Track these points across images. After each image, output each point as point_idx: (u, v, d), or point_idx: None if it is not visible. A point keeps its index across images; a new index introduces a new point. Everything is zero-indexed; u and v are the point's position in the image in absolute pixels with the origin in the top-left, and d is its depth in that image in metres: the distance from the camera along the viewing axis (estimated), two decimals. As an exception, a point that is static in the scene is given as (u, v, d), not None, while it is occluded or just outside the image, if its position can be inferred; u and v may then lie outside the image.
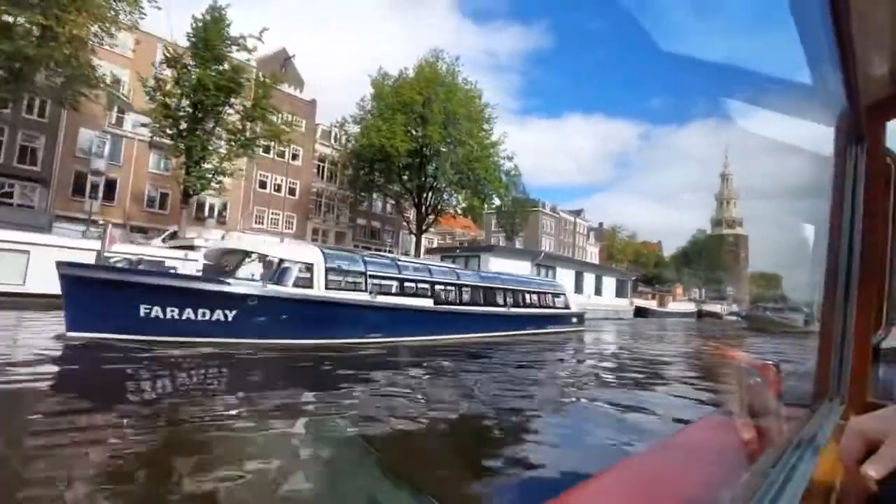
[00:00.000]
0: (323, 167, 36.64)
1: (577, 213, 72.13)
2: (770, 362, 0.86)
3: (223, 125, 22.27)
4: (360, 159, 30.24)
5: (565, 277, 25.21)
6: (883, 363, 1.36)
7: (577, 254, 70.22)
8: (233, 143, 22.81)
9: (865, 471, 0.43)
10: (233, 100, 22.58)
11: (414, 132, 28.30)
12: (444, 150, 28.26)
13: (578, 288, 26.73)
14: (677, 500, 0.65)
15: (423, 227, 32.62)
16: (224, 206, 30.57)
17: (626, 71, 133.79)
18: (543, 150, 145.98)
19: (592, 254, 73.76)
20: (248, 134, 23.12)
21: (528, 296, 14.34)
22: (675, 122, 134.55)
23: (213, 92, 20.16)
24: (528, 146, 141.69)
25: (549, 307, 15.38)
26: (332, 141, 36.21)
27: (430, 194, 31.49)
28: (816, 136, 1.23)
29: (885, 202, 1.16)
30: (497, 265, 21.48)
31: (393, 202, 35.13)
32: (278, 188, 33.83)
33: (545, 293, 15.54)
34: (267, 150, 32.83)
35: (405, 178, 29.56)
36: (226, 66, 21.13)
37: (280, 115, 32.89)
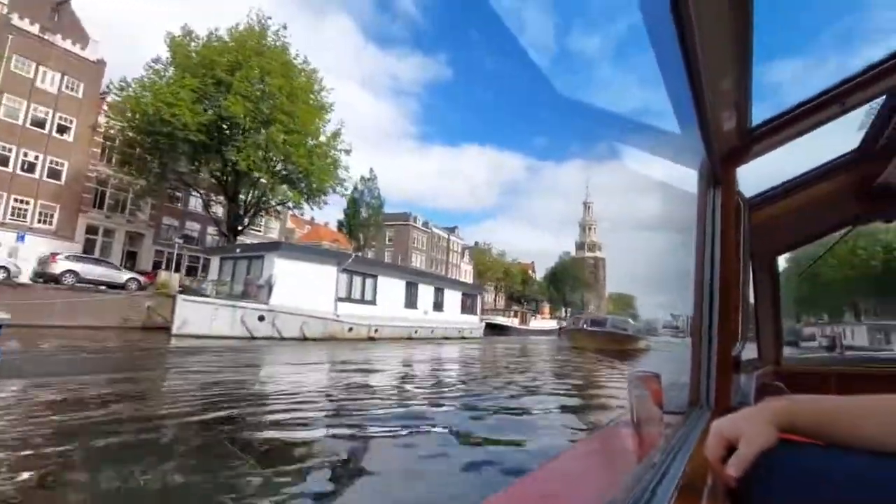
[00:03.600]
0: (111, 147, 28.46)
1: (452, 230, 70.60)
2: (652, 374, 0.90)
3: None
4: (139, 132, 23.25)
5: (389, 288, 21.20)
6: (744, 373, 1.58)
7: (451, 271, 68.28)
8: None
9: (728, 471, 0.49)
10: None
11: (213, 102, 22.35)
12: (251, 129, 22.77)
13: (410, 302, 22.91)
14: None
15: (239, 228, 26.41)
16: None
17: (516, 109, 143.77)
18: (442, 176, 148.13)
19: (467, 272, 72.58)
20: None
21: None
22: (554, 159, 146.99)
23: None
24: (427, 172, 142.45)
25: None
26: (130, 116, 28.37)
27: (245, 186, 25.51)
28: (682, 176, 1.40)
29: (736, 235, 1.34)
30: (286, 268, 16.60)
31: (198, 195, 28.20)
32: (30, 167, 25.05)
33: None
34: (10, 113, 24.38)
35: (200, 161, 23.24)
36: None
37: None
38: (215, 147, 22.60)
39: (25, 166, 24.89)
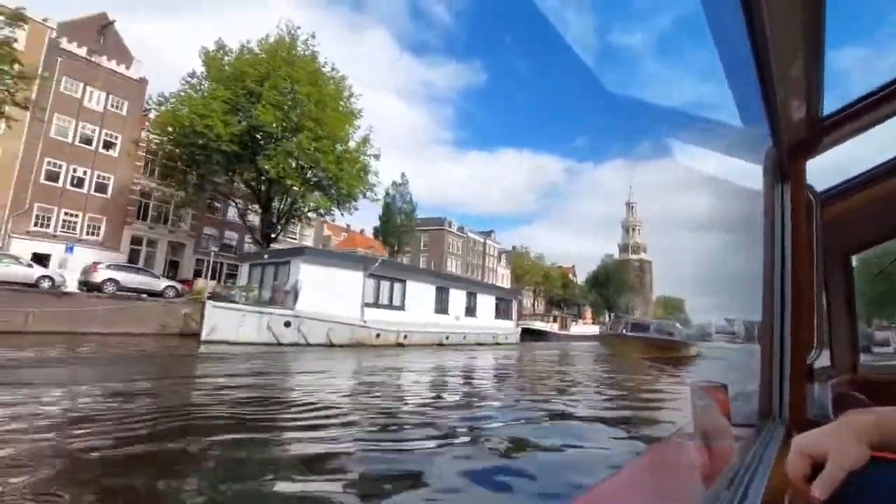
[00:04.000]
0: (153, 161, 29.53)
1: (488, 234, 69.50)
2: (718, 384, 0.85)
3: None
4: (177, 145, 23.81)
5: (418, 293, 20.48)
6: (818, 382, 1.42)
7: (487, 276, 67.14)
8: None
9: (813, 493, 0.45)
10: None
11: (245, 113, 22.57)
12: (282, 137, 22.81)
13: (441, 307, 22.12)
14: None
15: (273, 236, 26.59)
16: (-21, 200, 22.62)
17: (554, 111, 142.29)
18: (477, 181, 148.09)
19: (504, 276, 71.19)
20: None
21: None
22: (595, 160, 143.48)
23: None
24: (462, 177, 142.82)
25: None
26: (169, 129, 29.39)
27: (278, 194, 25.63)
28: (739, 171, 1.33)
29: (808, 233, 1.25)
30: (312, 274, 16.23)
31: (234, 204, 28.68)
32: (79, 182, 26.31)
33: None
34: (64, 132, 25.73)
35: (234, 171, 23.45)
36: None
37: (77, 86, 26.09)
38: (248, 157, 22.81)
39: (74, 181, 26.15)
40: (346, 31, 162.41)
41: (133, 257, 27.99)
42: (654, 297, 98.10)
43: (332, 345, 16.00)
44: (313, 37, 26.20)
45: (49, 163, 25.14)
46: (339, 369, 11.00)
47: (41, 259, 23.14)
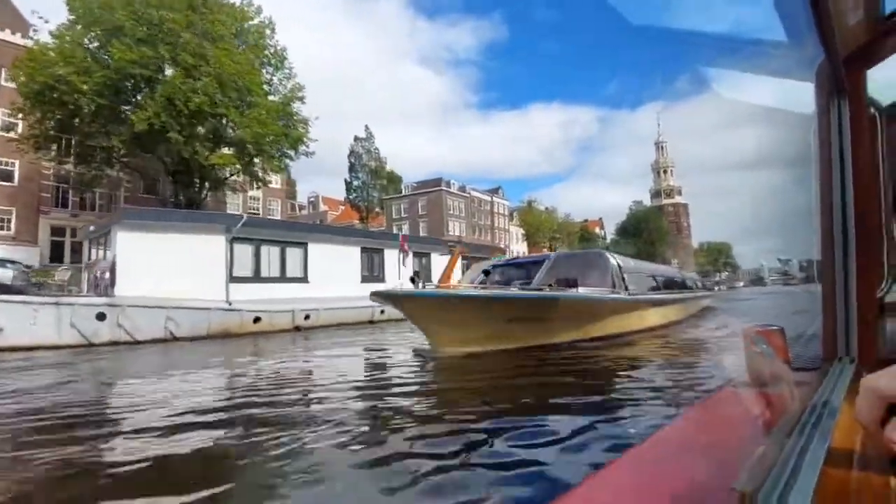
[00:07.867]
0: (70, 141, 25.97)
1: (494, 191, 63.48)
2: (775, 327, 0.81)
3: None
4: (40, 107, 19.71)
5: (330, 259, 15.82)
6: (890, 317, 1.31)
7: (497, 237, 61.65)
8: None
9: (889, 436, 0.42)
10: None
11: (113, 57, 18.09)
12: (153, 79, 18.25)
13: (374, 274, 17.39)
14: (693, 485, 0.61)
15: (193, 206, 22.55)
16: None
17: (581, 58, 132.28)
18: (506, 141, 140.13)
19: (517, 235, 65.45)
20: None
21: None
22: (629, 105, 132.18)
23: None
24: (490, 139, 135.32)
25: None
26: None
27: (186, 158, 21.35)
28: (791, 96, 1.21)
29: (872, 153, 1.15)
30: (137, 244, 11.87)
31: (139, 175, 24.76)
32: (-26, 173, 23.18)
33: None
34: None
35: (111, 132, 19.22)
36: None
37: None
38: (115, 109, 18.51)
39: (-32, 172, 23.02)
40: (357, 3, 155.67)
41: (55, 250, 24.98)
42: (695, 243, 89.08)
43: (175, 339, 11.73)
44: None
45: (-68, 153, 22.02)
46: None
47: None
